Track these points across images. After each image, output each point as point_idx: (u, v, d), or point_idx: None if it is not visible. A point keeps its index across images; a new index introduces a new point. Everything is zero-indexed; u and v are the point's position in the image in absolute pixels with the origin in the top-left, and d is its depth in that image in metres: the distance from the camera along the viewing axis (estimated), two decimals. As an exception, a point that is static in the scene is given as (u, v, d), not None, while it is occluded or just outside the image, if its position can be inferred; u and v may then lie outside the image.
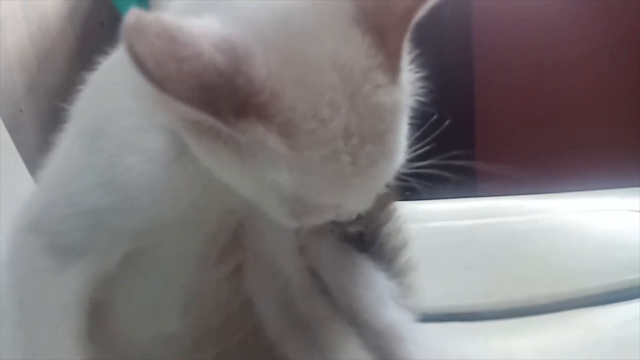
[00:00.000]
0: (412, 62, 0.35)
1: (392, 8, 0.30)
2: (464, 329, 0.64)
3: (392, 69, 0.31)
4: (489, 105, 1.10)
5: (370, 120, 0.30)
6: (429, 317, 0.50)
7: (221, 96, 0.27)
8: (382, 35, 0.30)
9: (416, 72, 0.35)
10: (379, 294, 0.47)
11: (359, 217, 0.40)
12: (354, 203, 0.34)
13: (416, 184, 0.38)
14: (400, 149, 0.33)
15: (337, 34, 0.30)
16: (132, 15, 0.26)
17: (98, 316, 0.40)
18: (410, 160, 0.36)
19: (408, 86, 0.33)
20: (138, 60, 0.26)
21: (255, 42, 0.29)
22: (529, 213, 0.75)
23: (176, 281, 0.43)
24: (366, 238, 0.48)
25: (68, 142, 0.40)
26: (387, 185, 0.39)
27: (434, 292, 0.58)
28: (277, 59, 0.29)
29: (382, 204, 0.49)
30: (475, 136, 1.05)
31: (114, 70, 0.40)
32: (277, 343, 0.45)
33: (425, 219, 0.74)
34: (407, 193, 0.44)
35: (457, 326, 0.64)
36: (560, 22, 1.05)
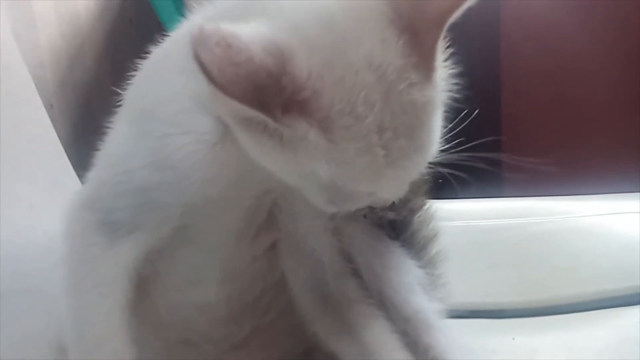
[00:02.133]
0: (446, 60, 0.38)
1: (427, 11, 0.33)
2: (490, 326, 0.67)
3: (426, 67, 0.34)
4: (515, 107, 1.13)
5: (403, 116, 0.33)
6: (454, 314, 0.52)
7: (270, 95, 0.31)
8: (417, 36, 0.33)
9: (450, 70, 0.38)
10: (408, 280, 0.50)
11: (393, 205, 0.44)
12: (387, 191, 0.37)
13: (446, 175, 0.41)
14: (433, 142, 0.36)
15: (374, 36, 0.33)
16: (196, 28, 0.31)
17: (143, 288, 0.44)
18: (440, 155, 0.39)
19: (442, 83, 0.37)
20: (204, 68, 0.30)
21: (299, 45, 0.32)
22: (556, 214, 0.77)
23: (216, 254, 0.46)
24: (398, 225, 0.51)
25: (120, 125, 0.45)
26: (420, 176, 0.42)
27: (459, 289, 0.60)
28: (319, 60, 0.32)
29: (415, 192, 0.52)
30: (502, 137, 1.07)
31: (163, 58, 0.44)
32: (308, 322, 0.48)
33: (451, 218, 0.76)
34: (440, 181, 0.47)
35: (483, 323, 0.67)
36: (588, 22, 1.08)
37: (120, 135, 0.44)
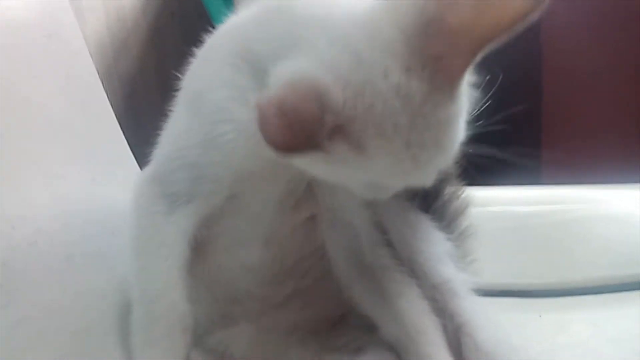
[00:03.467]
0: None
1: (458, 44, 0.36)
2: (518, 304, 0.71)
3: (451, 86, 0.38)
4: (556, 97, 1.16)
5: (428, 132, 0.39)
6: (483, 293, 0.57)
7: (318, 134, 0.37)
8: (444, 63, 0.37)
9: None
10: (438, 251, 0.56)
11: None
12: (418, 182, 0.43)
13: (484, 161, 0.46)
14: (456, 142, 0.41)
15: (399, 66, 0.37)
16: (258, 106, 0.37)
17: (198, 250, 0.51)
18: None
19: (468, 89, 0.41)
20: (271, 142, 0.36)
21: (333, 80, 0.37)
22: (589, 201, 0.81)
23: (260, 221, 0.53)
24: (429, 195, 0.57)
25: (178, 108, 0.51)
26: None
27: (490, 270, 0.64)
28: (351, 92, 0.37)
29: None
30: (541, 127, 1.11)
31: (214, 48, 0.50)
32: (344, 287, 0.54)
33: (486, 204, 0.80)
34: (477, 169, 0.52)
35: (511, 301, 0.71)
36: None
37: (177, 116, 0.51)
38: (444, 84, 0.38)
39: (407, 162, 0.39)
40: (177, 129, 0.51)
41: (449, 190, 0.59)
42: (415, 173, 0.41)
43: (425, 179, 0.43)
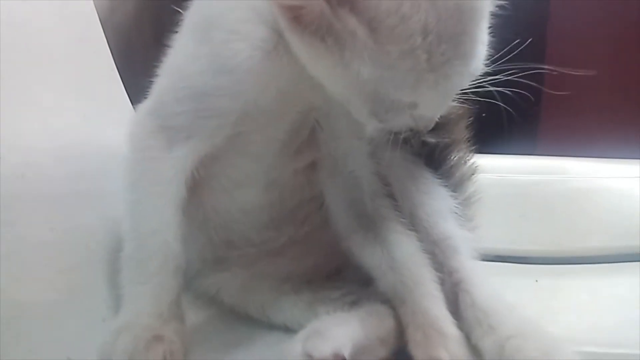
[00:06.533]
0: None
1: None
2: (515, 269, 0.71)
3: None
4: (558, 72, 1.14)
5: (448, 20, 0.36)
6: (480, 257, 0.55)
7: None
8: None
9: None
10: (441, 206, 0.54)
11: (434, 130, 0.48)
12: (429, 103, 0.40)
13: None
14: (476, 54, 0.38)
15: None
16: None
17: (194, 189, 0.49)
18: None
19: None
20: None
21: None
22: (589, 173, 0.81)
23: (261, 162, 0.51)
24: (437, 157, 0.55)
25: (182, 39, 0.49)
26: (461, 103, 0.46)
27: (488, 236, 0.64)
28: None
29: (456, 122, 0.56)
30: (541, 100, 1.10)
31: None
32: (342, 237, 0.53)
33: (486, 171, 0.80)
34: (484, 115, 0.51)
35: (508, 266, 0.71)
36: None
37: (181, 47, 0.49)
38: None
39: (420, 55, 0.36)
40: (182, 59, 0.48)
41: (456, 155, 0.57)
42: (428, 78, 0.37)
43: (438, 98, 0.40)
